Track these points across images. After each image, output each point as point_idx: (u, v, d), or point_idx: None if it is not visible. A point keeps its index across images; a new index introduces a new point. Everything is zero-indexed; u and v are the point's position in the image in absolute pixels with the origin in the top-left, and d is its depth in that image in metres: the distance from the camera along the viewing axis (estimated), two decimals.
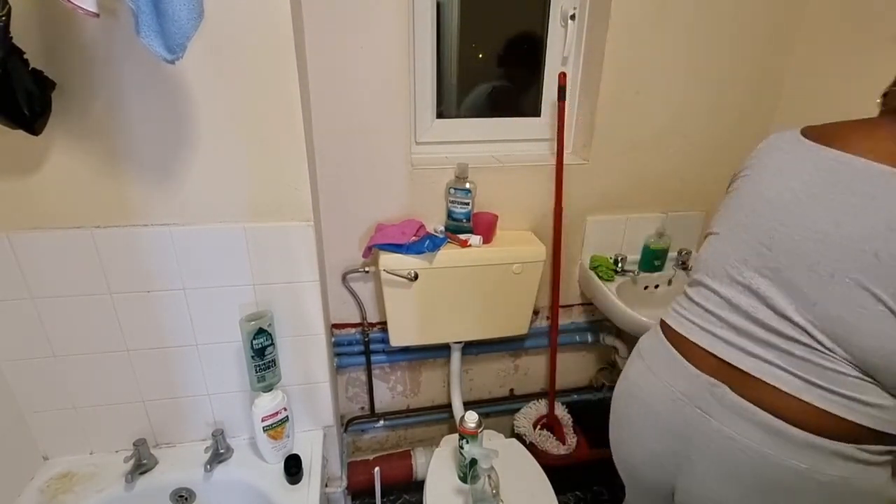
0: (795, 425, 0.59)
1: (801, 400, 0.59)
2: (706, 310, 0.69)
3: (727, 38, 1.31)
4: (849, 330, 0.56)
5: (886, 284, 0.54)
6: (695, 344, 0.68)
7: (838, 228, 0.57)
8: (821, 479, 0.59)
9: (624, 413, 0.80)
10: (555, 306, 1.50)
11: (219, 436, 1.16)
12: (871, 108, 0.68)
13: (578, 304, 1.60)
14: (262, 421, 1.12)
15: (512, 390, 1.71)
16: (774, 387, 0.61)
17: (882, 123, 0.62)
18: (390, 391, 1.60)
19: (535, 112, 1.44)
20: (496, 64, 1.42)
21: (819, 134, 0.64)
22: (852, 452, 0.58)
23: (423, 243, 1.24)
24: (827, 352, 0.58)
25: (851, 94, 1.17)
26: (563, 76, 1.31)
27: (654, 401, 0.73)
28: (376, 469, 1.34)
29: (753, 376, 0.63)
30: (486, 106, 1.44)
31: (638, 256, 1.47)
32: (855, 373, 0.57)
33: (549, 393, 1.60)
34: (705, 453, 0.67)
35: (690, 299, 0.72)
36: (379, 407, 1.60)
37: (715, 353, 0.66)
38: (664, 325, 0.76)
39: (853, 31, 1.18)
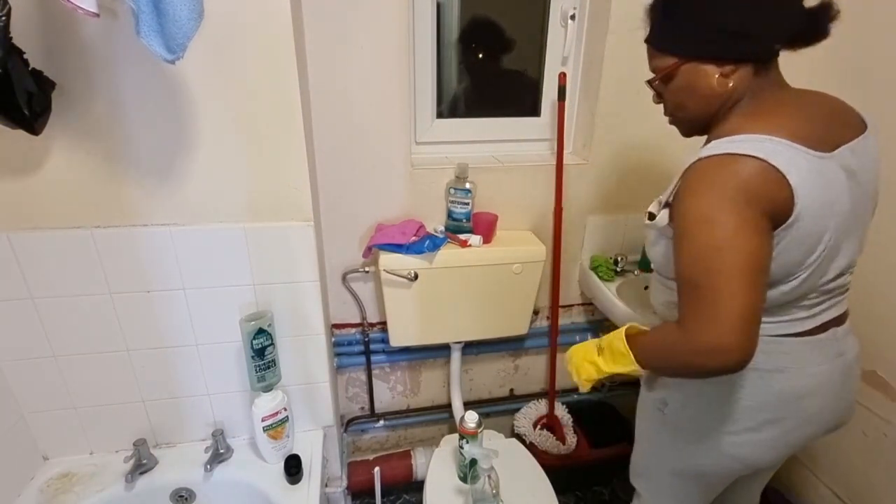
0: (848, 318, 0.84)
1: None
2: (799, 307, 0.77)
3: None
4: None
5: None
6: (810, 329, 0.78)
7: (866, 196, 0.75)
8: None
9: (789, 415, 0.81)
10: (554, 306, 1.50)
11: (219, 436, 1.16)
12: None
13: (578, 304, 1.60)
14: (262, 421, 1.12)
15: (512, 390, 1.71)
16: (844, 310, 0.83)
17: (800, 103, 0.74)
18: (390, 391, 1.60)
19: (535, 112, 1.44)
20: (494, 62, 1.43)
21: (813, 141, 0.68)
22: None
23: (423, 243, 1.24)
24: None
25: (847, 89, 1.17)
26: (563, 76, 1.31)
27: (821, 382, 0.80)
28: (376, 469, 1.35)
29: (844, 313, 0.83)
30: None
31: (638, 256, 1.47)
32: None
33: (549, 393, 1.60)
34: (851, 377, 0.84)
35: (784, 314, 0.77)
36: (379, 407, 1.60)
37: (823, 322, 0.79)
38: (777, 338, 0.78)
39: (846, 30, 1.18)
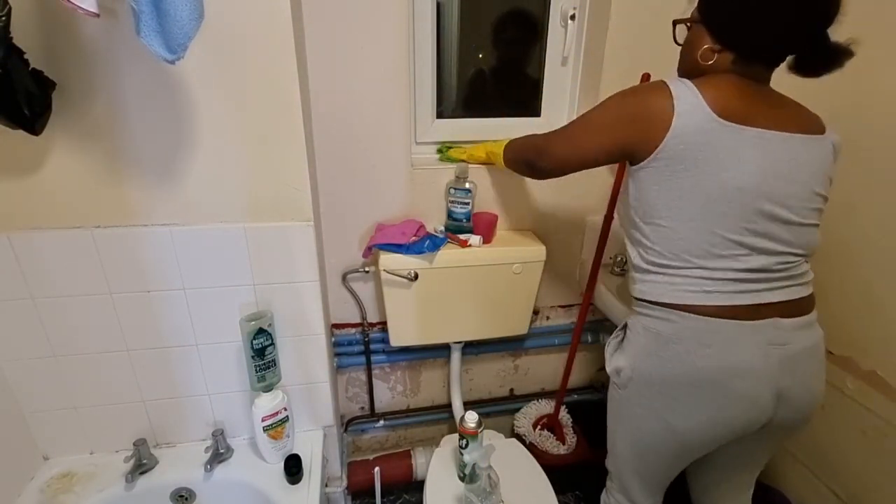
0: (811, 311, 0.88)
1: (805, 297, 0.87)
2: (732, 279, 0.82)
3: None
4: (810, 240, 0.87)
5: (820, 206, 0.86)
6: (741, 306, 0.83)
7: (795, 185, 0.82)
8: (822, 334, 0.91)
9: (719, 393, 0.85)
10: (584, 307, 1.49)
11: (219, 436, 1.16)
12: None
13: (579, 304, 1.60)
14: (262, 421, 1.12)
15: (512, 390, 1.71)
16: (797, 298, 0.86)
17: (757, 93, 0.83)
18: (390, 391, 1.61)
19: (535, 112, 1.44)
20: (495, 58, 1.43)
21: (731, 113, 0.78)
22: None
23: (423, 243, 1.24)
24: (802, 259, 0.87)
25: (846, 92, 1.17)
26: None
27: (752, 365, 0.83)
28: (376, 469, 1.35)
29: (788, 301, 0.85)
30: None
31: None
32: (806, 263, 0.89)
33: (559, 392, 1.59)
34: (796, 370, 0.86)
35: (708, 279, 0.83)
36: (379, 407, 1.60)
37: (757, 302, 0.83)
38: (700, 309, 0.84)
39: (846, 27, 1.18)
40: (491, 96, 1.46)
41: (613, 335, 1.01)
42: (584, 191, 1.42)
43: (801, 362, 0.86)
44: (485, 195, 1.35)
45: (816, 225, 0.87)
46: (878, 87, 1.14)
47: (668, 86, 0.80)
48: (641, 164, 0.83)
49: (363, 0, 1.12)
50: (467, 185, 1.29)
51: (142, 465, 1.12)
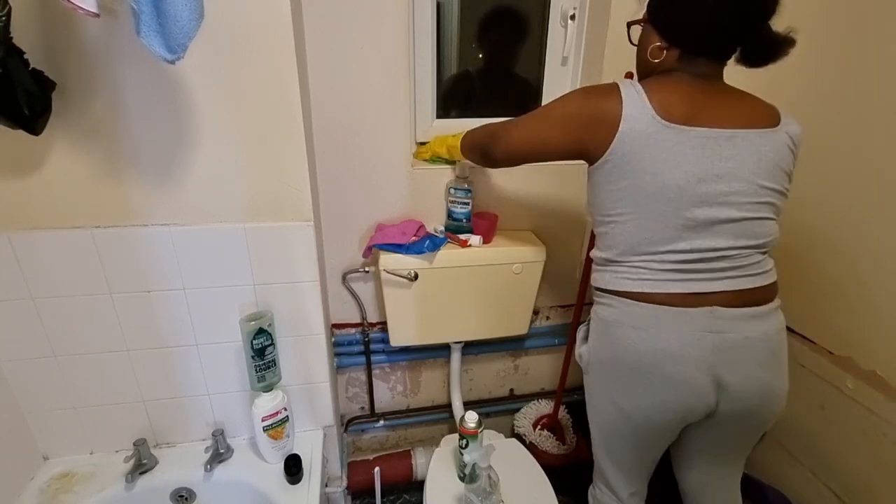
0: (765, 303, 0.89)
1: (757, 287, 0.88)
2: (669, 269, 0.86)
3: None
4: (760, 233, 0.88)
5: (771, 199, 0.87)
6: (676, 294, 0.87)
7: (739, 181, 0.84)
8: (782, 327, 0.92)
9: (654, 376, 0.89)
10: (578, 305, 1.50)
11: (219, 436, 1.16)
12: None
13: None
14: (262, 421, 1.12)
15: (512, 390, 1.71)
16: (747, 288, 0.87)
17: (704, 91, 0.86)
18: (390, 391, 1.61)
19: None
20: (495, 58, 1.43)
21: (674, 115, 0.82)
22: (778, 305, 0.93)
23: (423, 243, 1.24)
24: (754, 251, 0.88)
25: (848, 93, 1.17)
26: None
27: (684, 350, 0.86)
28: (376, 469, 1.34)
29: (732, 290, 0.87)
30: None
31: None
32: (761, 254, 0.90)
33: (559, 392, 1.59)
34: (735, 358, 0.87)
35: (646, 269, 0.88)
36: (379, 407, 1.60)
37: (695, 291, 0.87)
38: (636, 295, 0.89)
39: (845, 29, 1.18)
40: (491, 96, 1.46)
41: (584, 323, 1.06)
42: (584, 191, 1.41)
43: (741, 351, 0.87)
44: (485, 195, 1.35)
45: (769, 218, 0.88)
46: (876, 88, 1.14)
47: (619, 89, 0.84)
48: (594, 165, 0.88)
49: (363, 0, 1.12)
50: (467, 185, 1.29)
51: (142, 465, 1.12)
